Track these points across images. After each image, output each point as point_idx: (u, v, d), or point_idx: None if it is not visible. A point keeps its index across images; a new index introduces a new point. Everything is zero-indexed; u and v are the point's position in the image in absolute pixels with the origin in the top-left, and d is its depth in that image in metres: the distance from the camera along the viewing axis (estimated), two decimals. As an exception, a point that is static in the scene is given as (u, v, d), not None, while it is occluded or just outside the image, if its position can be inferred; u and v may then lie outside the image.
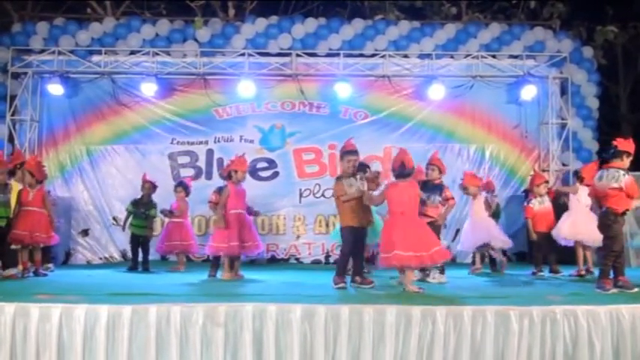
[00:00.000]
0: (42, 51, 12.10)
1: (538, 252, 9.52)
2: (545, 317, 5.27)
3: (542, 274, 9.12)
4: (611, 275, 6.89)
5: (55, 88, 11.81)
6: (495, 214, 10.28)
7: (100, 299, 5.56)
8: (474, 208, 9.54)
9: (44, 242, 8.98)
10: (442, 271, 8.08)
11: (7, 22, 13.77)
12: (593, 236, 7.85)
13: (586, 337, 5.26)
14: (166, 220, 10.56)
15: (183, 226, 10.28)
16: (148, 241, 10.22)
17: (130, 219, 10.15)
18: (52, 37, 12.25)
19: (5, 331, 5.18)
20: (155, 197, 10.37)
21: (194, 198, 10.59)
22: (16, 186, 8.75)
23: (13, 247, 8.50)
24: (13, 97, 11.89)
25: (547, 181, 9.98)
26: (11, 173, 8.80)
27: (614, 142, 7.05)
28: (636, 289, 6.73)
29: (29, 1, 15.17)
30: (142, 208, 10.09)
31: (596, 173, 7.42)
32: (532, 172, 10.27)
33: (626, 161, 6.98)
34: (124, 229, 10.44)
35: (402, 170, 6.95)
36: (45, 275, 8.84)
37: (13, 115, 11.87)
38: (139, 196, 10.34)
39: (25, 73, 11.95)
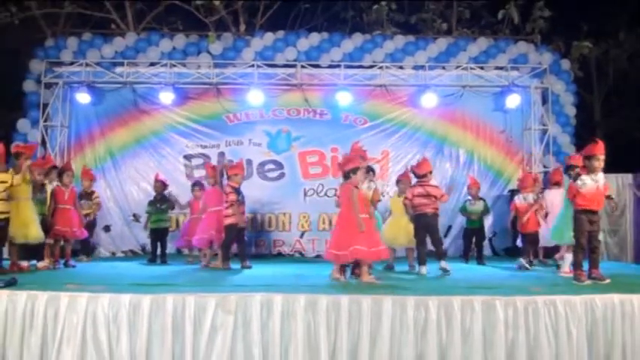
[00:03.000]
0: (71, 63, 12.11)
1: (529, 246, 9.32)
2: (528, 306, 5.27)
3: (527, 267, 9.09)
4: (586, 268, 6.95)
5: (83, 97, 11.83)
6: (485, 212, 10.40)
7: (122, 289, 5.58)
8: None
9: (78, 237, 9.26)
10: (421, 263, 8.17)
11: (42, 37, 13.80)
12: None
13: (564, 324, 5.27)
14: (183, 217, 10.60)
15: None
16: (165, 236, 10.27)
17: (151, 218, 10.25)
18: (80, 50, 12.24)
19: (38, 317, 5.21)
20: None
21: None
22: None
23: (47, 241, 8.54)
24: (45, 105, 11.91)
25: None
26: (45, 174, 8.87)
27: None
28: (608, 281, 6.75)
29: (61, 19, 15.23)
30: (158, 204, 10.20)
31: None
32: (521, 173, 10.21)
33: (594, 164, 6.92)
34: (145, 228, 10.53)
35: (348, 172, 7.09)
36: (74, 267, 8.88)
37: (45, 121, 11.88)
38: (152, 197, 10.47)
39: (57, 84, 11.96)
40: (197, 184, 10.34)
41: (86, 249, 10.57)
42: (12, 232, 7.61)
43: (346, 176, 7.09)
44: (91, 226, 10.48)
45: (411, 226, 8.50)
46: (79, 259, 10.04)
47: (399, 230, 8.77)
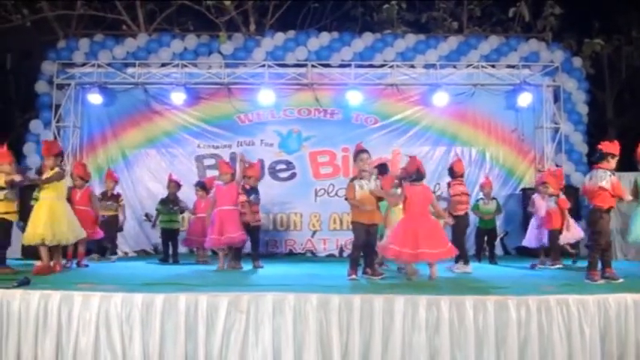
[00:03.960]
0: (83, 64, 12.21)
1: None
2: (541, 306, 5.24)
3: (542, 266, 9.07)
4: (600, 267, 6.89)
5: (95, 98, 11.91)
6: (497, 211, 10.41)
7: (135, 288, 5.59)
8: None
9: (92, 237, 9.22)
10: (466, 262, 8.31)
11: (54, 39, 13.91)
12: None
13: (577, 323, 5.23)
14: (191, 216, 10.57)
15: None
16: (176, 236, 10.28)
17: (160, 217, 10.25)
18: (92, 51, 12.33)
19: (52, 316, 5.24)
20: (182, 195, 10.49)
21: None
22: None
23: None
24: (57, 106, 12.00)
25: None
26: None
27: (600, 146, 7.05)
28: (621, 280, 6.71)
29: (73, 20, 15.32)
30: (170, 205, 10.19)
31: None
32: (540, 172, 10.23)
33: (612, 162, 6.98)
34: (153, 226, 10.54)
35: (418, 175, 7.35)
36: (87, 266, 8.93)
37: (57, 122, 12.00)
38: (165, 195, 10.45)
39: (69, 85, 12.05)
40: (199, 184, 10.29)
41: (106, 248, 10.58)
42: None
43: (417, 179, 7.38)
44: (115, 227, 10.53)
45: None
46: (98, 257, 10.14)
47: None
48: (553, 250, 9.16)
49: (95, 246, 10.38)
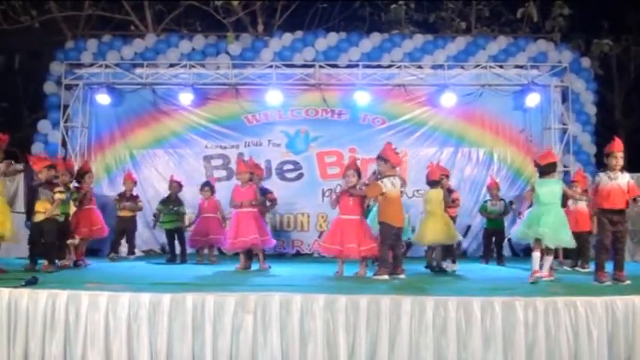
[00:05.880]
0: (91, 65, 12.24)
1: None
2: (548, 307, 5.22)
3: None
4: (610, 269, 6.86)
5: (103, 98, 11.95)
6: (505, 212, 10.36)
7: (142, 288, 5.61)
8: None
9: (99, 234, 9.43)
10: (454, 261, 8.63)
11: (62, 39, 13.97)
12: None
13: (585, 325, 5.21)
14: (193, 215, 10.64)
15: (216, 221, 10.16)
16: (182, 234, 10.30)
17: (161, 217, 10.30)
18: (100, 52, 12.38)
19: (60, 316, 5.26)
20: (189, 195, 10.62)
21: (227, 196, 10.50)
22: None
23: (69, 241, 8.64)
24: (66, 107, 12.04)
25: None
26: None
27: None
28: (629, 282, 6.66)
29: (81, 21, 15.40)
30: (171, 205, 10.23)
31: None
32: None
33: (611, 161, 6.86)
34: (154, 227, 10.62)
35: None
36: (88, 265, 8.95)
37: (66, 122, 12.04)
38: (166, 196, 10.49)
39: (77, 85, 12.09)
40: (207, 185, 10.31)
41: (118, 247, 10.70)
42: None
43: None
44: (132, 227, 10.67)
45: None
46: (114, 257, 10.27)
47: (439, 226, 8.38)
48: (583, 253, 9.05)
49: (107, 245, 10.52)
